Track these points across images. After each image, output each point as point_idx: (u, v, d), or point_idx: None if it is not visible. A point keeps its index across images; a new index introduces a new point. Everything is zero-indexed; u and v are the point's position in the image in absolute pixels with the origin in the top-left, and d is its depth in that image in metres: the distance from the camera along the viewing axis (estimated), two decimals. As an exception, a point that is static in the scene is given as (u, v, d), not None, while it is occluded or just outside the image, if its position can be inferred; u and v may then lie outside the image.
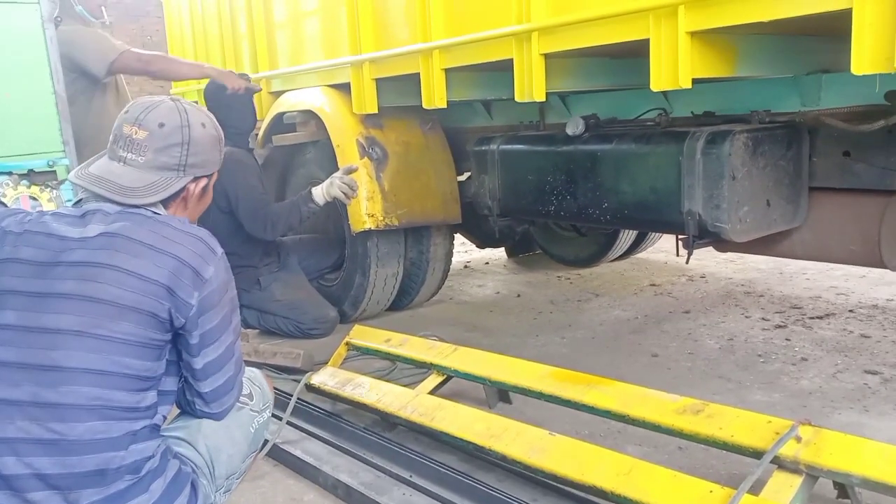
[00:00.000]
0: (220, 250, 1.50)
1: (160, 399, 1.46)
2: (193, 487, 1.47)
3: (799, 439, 1.72)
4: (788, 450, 1.71)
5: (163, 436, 1.50)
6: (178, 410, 1.62)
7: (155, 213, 1.50)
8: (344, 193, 3.41)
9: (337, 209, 3.97)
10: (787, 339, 3.38)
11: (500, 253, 5.75)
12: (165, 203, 1.53)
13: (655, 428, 2.01)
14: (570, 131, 3.12)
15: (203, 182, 1.60)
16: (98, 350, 1.34)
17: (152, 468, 1.40)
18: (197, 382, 1.49)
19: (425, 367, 2.65)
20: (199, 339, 1.44)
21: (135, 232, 1.42)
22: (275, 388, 2.84)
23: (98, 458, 1.33)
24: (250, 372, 1.74)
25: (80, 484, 1.32)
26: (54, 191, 2.88)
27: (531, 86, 2.65)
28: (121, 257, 1.39)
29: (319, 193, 3.46)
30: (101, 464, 1.33)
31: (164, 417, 1.49)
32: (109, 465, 1.34)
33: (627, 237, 4.83)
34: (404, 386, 2.59)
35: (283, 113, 4.09)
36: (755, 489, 1.65)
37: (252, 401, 1.67)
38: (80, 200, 1.53)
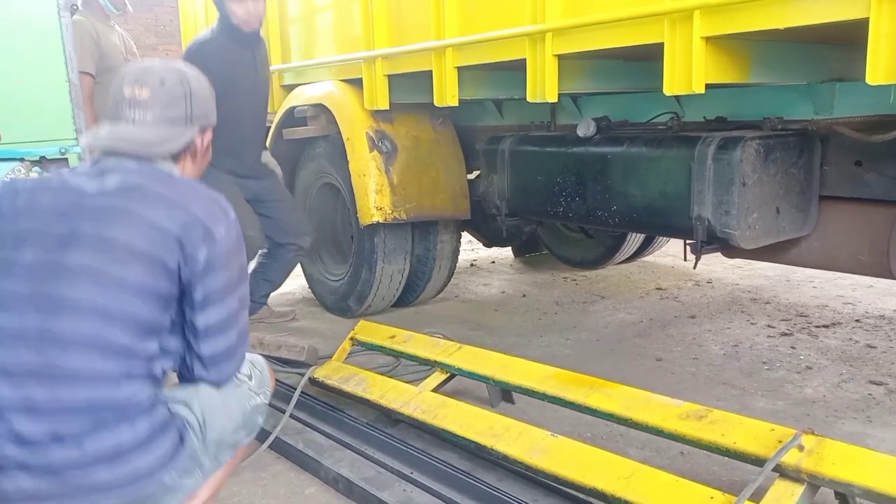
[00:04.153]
0: (233, 215, 1.53)
1: (161, 353, 1.45)
2: (181, 438, 1.47)
3: (801, 448, 1.72)
4: (791, 458, 1.70)
5: (159, 390, 1.50)
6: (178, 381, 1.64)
7: (171, 173, 1.55)
8: None
9: (344, 203, 3.98)
10: (792, 347, 3.37)
11: (506, 252, 5.76)
12: (176, 157, 1.58)
13: (658, 432, 2.01)
14: (581, 133, 3.12)
15: (207, 134, 1.66)
16: (106, 288, 1.36)
17: (142, 410, 1.40)
18: (198, 343, 1.49)
19: (429, 365, 2.66)
20: (203, 297, 1.45)
21: (152, 186, 1.47)
22: (279, 381, 2.87)
23: (90, 394, 1.33)
24: (253, 357, 1.73)
25: (69, 416, 1.32)
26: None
27: (543, 86, 2.65)
28: (137, 206, 1.42)
29: None
30: (92, 399, 1.33)
31: (164, 373, 1.49)
32: (100, 401, 1.34)
33: (635, 240, 4.82)
34: (408, 383, 2.59)
35: (295, 107, 4.10)
36: (756, 497, 1.65)
37: (251, 381, 1.67)
38: (97, 161, 1.54)
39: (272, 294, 4.02)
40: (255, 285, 3.74)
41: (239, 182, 3.53)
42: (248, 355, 1.66)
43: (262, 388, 1.70)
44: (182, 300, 1.46)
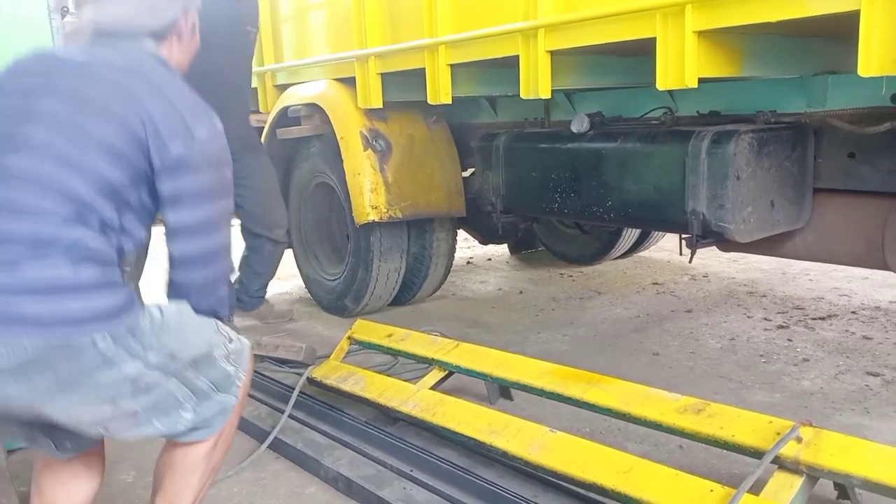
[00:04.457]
0: (221, 127, 1.51)
1: (121, 225, 1.40)
2: (130, 308, 1.37)
3: (800, 440, 1.72)
4: (789, 450, 1.71)
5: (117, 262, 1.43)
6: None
7: (162, 60, 1.52)
8: None
9: (339, 202, 3.98)
10: (788, 340, 3.38)
11: (502, 249, 5.76)
12: (161, 38, 1.55)
13: (656, 426, 2.01)
14: (574, 129, 3.12)
15: (192, 17, 1.62)
16: (70, 136, 1.34)
17: (90, 257, 1.33)
18: (168, 241, 1.46)
19: (427, 363, 2.66)
20: (174, 194, 1.42)
21: (141, 67, 1.46)
22: (277, 382, 2.87)
23: (34, 228, 1.30)
24: (238, 337, 1.64)
25: (9, 245, 1.29)
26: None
27: (537, 83, 2.65)
28: (121, 78, 1.41)
29: None
30: (35, 233, 1.29)
31: (123, 251, 1.43)
32: (45, 236, 1.30)
33: (630, 235, 4.82)
34: (406, 381, 2.59)
35: (288, 107, 4.09)
36: (755, 489, 1.66)
37: (231, 344, 1.58)
38: (87, 44, 1.52)
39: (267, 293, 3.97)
40: (247, 279, 3.76)
41: None
42: (231, 333, 1.61)
43: (237, 356, 1.59)
44: (155, 189, 1.42)
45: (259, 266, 3.77)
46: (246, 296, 3.82)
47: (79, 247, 1.32)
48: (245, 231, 3.72)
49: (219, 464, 1.64)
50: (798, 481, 1.67)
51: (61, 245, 1.30)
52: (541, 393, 2.29)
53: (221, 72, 3.26)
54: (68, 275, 1.30)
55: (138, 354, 1.37)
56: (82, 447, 1.58)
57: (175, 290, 1.51)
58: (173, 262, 1.49)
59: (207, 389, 1.51)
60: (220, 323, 1.58)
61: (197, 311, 1.52)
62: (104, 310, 1.33)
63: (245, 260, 3.78)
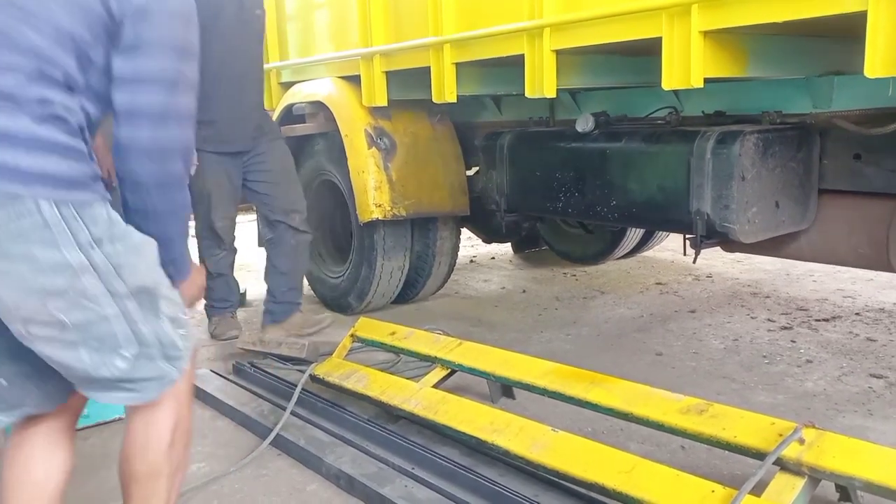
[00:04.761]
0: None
1: (88, 84, 1.35)
2: (87, 188, 1.31)
3: (802, 441, 1.72)
4: (791, 451, 1.71)
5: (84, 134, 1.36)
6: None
7: None
8: None
9: (343, 200, 3.98)
10: (792, 341, 3.37)
11: (506, 248, 5.75)
12: None
13: (658, 427, 2.01)
14: (579, 128, 3.12)
15: None
16: None
17: (53, 120, 1.27)
18: (116, 91, 1.36)
19: (429, 361, 2.66)
20: (133, 41, 1.34)
21: None
22: (280, 378, 2.87)
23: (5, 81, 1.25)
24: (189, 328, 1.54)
25: None
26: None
27: (542, 82, 2.65)
28: None
29: None
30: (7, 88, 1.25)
31: (90, 118, 1.37)
32: (6, 89, 1.25)
33: (634, 235, 4.82)
34: (408, 379, 2.59)
35: (293, 104, 4.10)
36: (757, 490, 1.65)
37: (178, 307, 1.48)
38: None
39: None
40: (273, 283, 3.55)
41: (229, 162, 3.29)
42: (177, 297, 1.49)
43: (183, 329, 1.48)
44: (114, 46, 1.35)
45: (282, 263, 3.51)
46: (274, 303, 3.54)
47: (42, 105, 1.27)
48: (263, 223, 3.59)
49: (183, 465, 1.59)
50: (800, 483, 1.67)
51: (24, 100, 1.25)
52: (543, 392, 2.29)
53: (236, 58, 3.22)
54: (26, 129, 1.25)
55: (83, 244, 1.30)
56: (48, 396, 1.48)
57: (119, 153, 1.39)
58: (119, 117, 1.37)
59: (152, 343, 1.41)
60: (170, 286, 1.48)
61: (140, 185, 1.40)
62: (58, 176, 1.27)
63: (268, 262, 3.57)
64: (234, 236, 3.60)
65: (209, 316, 3.72)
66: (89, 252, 1.30)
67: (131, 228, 1.40)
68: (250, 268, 5.08)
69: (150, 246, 1.43)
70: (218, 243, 3.49)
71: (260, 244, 3.89)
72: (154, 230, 1.44)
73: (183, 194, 1.49)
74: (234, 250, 3.64)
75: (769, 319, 3.72)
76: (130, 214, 1.44)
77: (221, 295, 3.65)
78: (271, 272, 3.56)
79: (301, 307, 3.63)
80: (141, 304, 1.39)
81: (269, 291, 3.58)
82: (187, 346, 1.50)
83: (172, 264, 1.50)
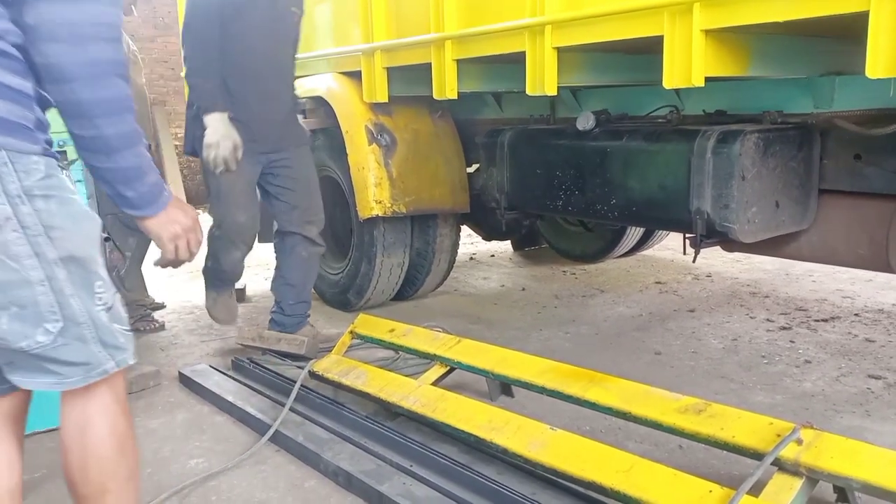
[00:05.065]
0: None
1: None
2: (19, 133, 1.19)
3: (800, 442, 1.72)
4: (789, 452, 1.71)
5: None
6: None
7: None
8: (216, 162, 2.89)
9: (343, 196, 3.98)
10: (791, 341, 3.37)
11: (505, 246, 5.76)
12: None
13: (657, 426, 2.01)
14: (580, 126, 3.12)
15: None
16: None
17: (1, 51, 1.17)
18: (26, 9, 1.18)
19: (428, 358, 2.66)
20: None
21: None
22: (279, 375, 2.87)
23: None
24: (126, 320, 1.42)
25: None
26: (64, 171, 2.88)
27: (543, 79, 2.65)
28: None
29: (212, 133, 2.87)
30: None
31: (39, 85, 1.25)
32: None
33: (634, 234, 4.82)
34: (407, 376, 2.59)
35: (294, 99, 4.08)
36: (755, 490, 1.65)
37: (114, 294, 1.35)
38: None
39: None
40: (281, 294, 3.35)
41: (254, 158, 3.05)
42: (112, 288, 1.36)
43: (120, 321, 1.37)
44: None
45: (292, 275, 3.31)
46: (282, 315, 3.35)
47: None
48: (278, 234, 3.34)
49: (136, 467, 1.45)
50: (797, 483, 1.67)
51: None
52: (542, 391, 2.29)
53: (264, 58, 3.03)
54: None
55: (11, 194, 1.18)
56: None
57: (29, 37, 1.20)
58: (34, 36, 1.19)
59: (83, 321, 1.29)
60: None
61: (63, 75, 1.21)
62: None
63: (276, 272, 3.38)
64: (255, 235, 3.31)
65: (206, 287, 3.41)
66: (17, 204, 1.19)
67: (76, 198, 1.29)
68: (249, 262, 5.06)
69: (91, 222, 1.32)
70: (237, 244, 3.19)
71: (262, 241, 3.71)
72: (102, 147, 1.28)
73: (122, 92, 1.28)
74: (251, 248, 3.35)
75: (768, 319, 3.72)
76: (79, 151, 1.30)
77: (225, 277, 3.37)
78: (279, 282, 3.36)
79: (310, 319, 3.47)
80: (71, 276, 1.27)
81: (276, 302, 3.40)
82: (129, 342, 1.38)
83: (140, 199, 1.36)
